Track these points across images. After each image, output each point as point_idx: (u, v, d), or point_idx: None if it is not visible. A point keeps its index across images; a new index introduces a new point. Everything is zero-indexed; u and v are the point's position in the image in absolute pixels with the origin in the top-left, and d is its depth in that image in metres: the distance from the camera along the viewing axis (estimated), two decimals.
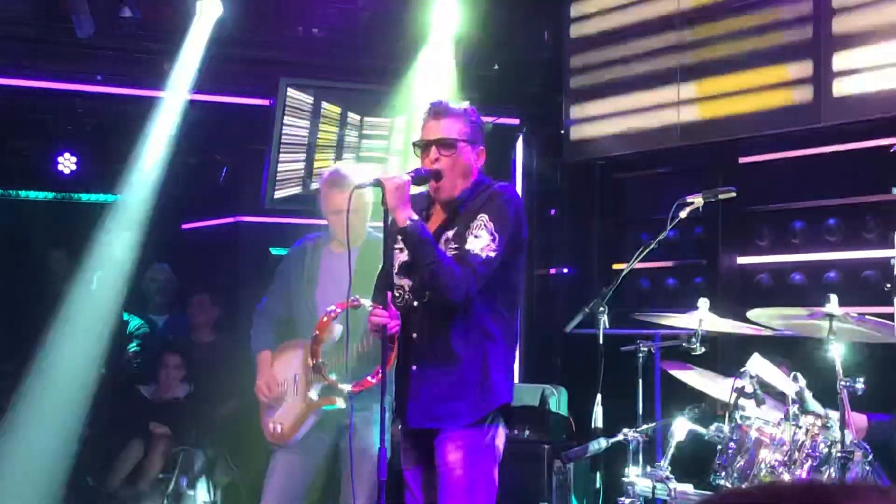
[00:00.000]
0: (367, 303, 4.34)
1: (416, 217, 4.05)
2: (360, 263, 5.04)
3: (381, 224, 4.15)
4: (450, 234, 4.12)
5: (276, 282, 5.35)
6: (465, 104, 4.35)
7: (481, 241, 4.03)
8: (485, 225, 4.06)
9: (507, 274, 4.14)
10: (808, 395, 4.79)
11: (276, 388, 5.12)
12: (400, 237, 4.11)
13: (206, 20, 6.76)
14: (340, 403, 4.94)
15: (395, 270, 4.23)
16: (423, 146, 4.19)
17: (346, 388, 4.55)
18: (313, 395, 5.00)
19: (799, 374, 4.78)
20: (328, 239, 5.23)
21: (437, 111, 4.19)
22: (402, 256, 4.18)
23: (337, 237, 5.14)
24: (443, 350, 4.09)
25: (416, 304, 4.15)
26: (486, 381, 4.08)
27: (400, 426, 4.27)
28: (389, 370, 4.13)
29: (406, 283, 4.19)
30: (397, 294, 4.20)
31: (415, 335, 4.14)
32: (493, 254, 4.02)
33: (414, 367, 4.13)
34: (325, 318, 4.69)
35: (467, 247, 4.04)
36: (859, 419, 5.00)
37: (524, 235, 4.19)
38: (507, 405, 4.17)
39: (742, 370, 4.87)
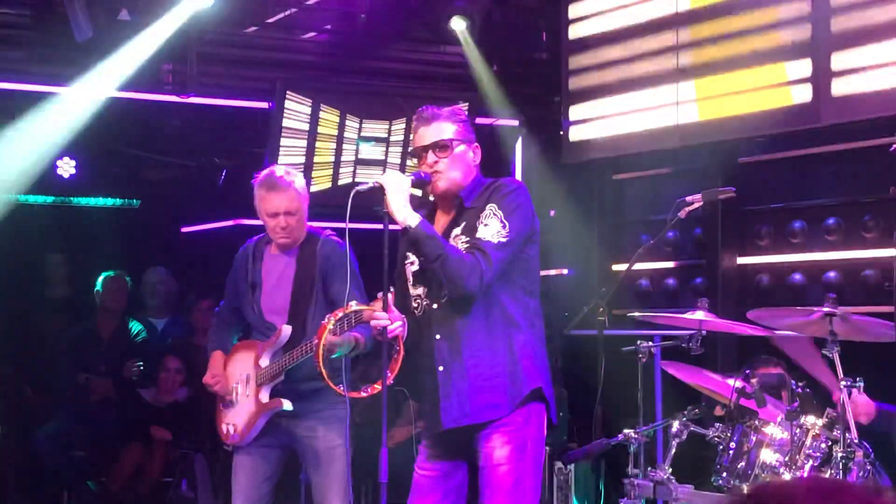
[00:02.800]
0: (353, 304, 4.31)
1: (417, 216, 4.04)
2: (300, 266, 5.05)
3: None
4: (458, 230, 4.10)
5: (226, 288, 5.32)
6: (452, 105, 4.34)
7: (491, 228, 4.02)
8: (494, 213, 4.04)
9: (523, 261, 4.12)
10: (807, 395, 4.79)
11: (224, 382, 5.10)
12: (406, 238, 4.10)
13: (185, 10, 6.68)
14: (288, 406, 4.93)
15: (410, 282, 4.21)
16: (419, 153, 4.19)
17: (355, 395, 4.54)
18: (263, 397, 4.99)
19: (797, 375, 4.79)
20: (267, 241, 5.17)
21: (426, 117, 4.18)
22: (412, 267, 4.18)
23: (275, 240, 5.10)
24: (469, 345, 4.05)
25: (434, 306, 4.13)
26: (515, 369, 4.05)
27: (426, 428, 4.23)
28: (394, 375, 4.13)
29: (421, 290, 4.17)
30: (415, 304, 4.18)
31: (438, 336, 4.10)
32: (504, 239, 4.00)
33: (440, 369, 4.08)
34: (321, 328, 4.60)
35: (478, 235, 4.02)
36: (866, 404, 4.98)
37: (536, 225, 4.16)
38: (540, 389, 4.09)
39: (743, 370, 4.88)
